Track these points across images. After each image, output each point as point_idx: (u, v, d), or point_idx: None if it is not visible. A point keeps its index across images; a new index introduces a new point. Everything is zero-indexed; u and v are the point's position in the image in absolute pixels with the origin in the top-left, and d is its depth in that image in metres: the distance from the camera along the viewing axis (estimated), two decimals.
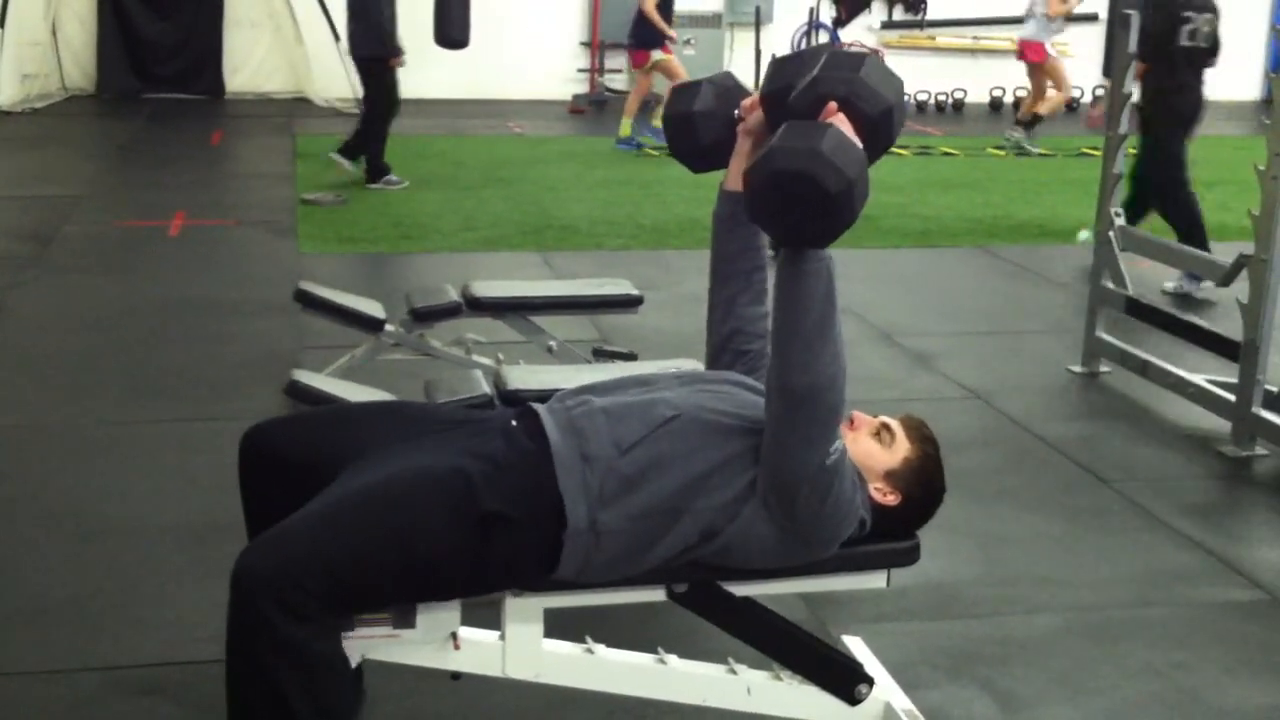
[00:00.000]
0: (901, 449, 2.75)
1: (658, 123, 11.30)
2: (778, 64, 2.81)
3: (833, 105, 2.47)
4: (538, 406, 2.71)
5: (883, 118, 2.49)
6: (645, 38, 11.61)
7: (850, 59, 2.53)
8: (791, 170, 2.32)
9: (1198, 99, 7.70)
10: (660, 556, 2.56)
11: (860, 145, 2.41)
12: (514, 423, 2.68)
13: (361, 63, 9.96)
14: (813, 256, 2.42)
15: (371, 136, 9.90)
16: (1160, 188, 7.67)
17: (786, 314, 2.45)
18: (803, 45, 15.45)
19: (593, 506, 2.52)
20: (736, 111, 2.88)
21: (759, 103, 2.80)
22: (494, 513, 2.48)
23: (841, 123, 2.44)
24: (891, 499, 2.72)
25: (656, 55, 11.63)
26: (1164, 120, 7.58)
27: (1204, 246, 7.04)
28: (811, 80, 2.52)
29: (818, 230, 2.38)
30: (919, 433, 2.80)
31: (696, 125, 2.91)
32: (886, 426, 2.78)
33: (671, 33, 11.83)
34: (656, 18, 11.45)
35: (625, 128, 11.83)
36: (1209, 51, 7.59)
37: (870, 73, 2.49)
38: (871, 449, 2.74)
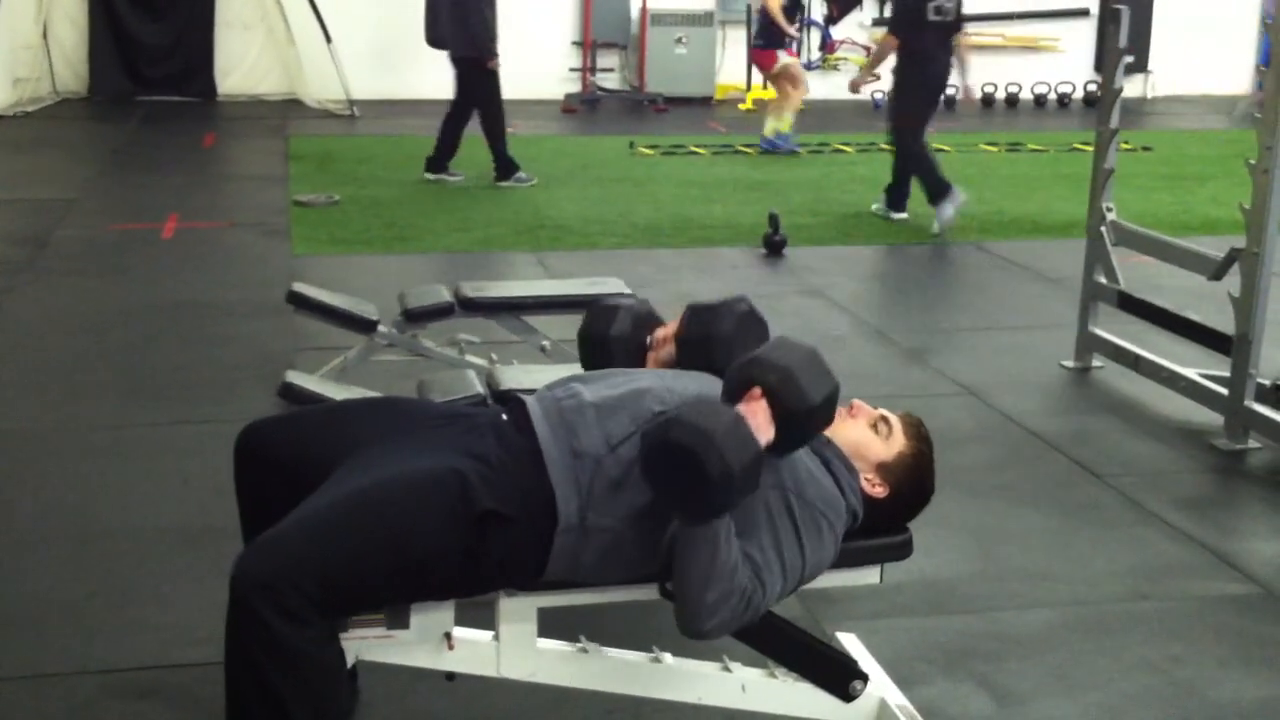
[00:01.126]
0: (897, 443, 2.79)
1: (780, 129, 11.71)
2: (696, 312, 2.93)
3: (757, 390, 2.53)
4: (526, 398, 2.72)
5: (803, 416, 2.54)
6: (773, 38, 11.68)
7: (789, 350, 2.59)
8: (680, 444, 2.38)
9: (944, 67, 9.08)
10: (650, 554, 2.57)
11: (768, 441, 2.48)
12: (504, 417, 2.69)
13: (459, 64, 9.88)
14: (697, 524, 2.45)
15: (496, 135, 10.01)
16: (900, 136, 9.14)
17: (678, 567, 2.49)
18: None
19: (583, 503, 2.53)
20: (649, 339, 3.01)
21: (672, 340, 2.95)
22: (490, 512, 2.49)
23: (760, 408, 2.50)
24: (880, 491, 2.75)
25: (784, 58, 11.72)
26: (913, 85, 9.07)
27: (941, 189, 8.59)
28: (748, 360, 2.59)
29: (693, 504, 2.44)
30: (916, 430, 2.83)
31: (611, 350, 3.01)
32: (885, 419, 2.81)
33: (793, 32, 12.12)
34: (781, 18, 11.53)
35: (772, 127, 11.86)
36: (955, 25, 8.97)
37: (804, 370, 2.55)
38: (868, 438, 2.78)
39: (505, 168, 10.02)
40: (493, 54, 9.73)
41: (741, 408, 2.51)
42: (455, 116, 10.01)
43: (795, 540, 2.57)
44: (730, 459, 2.37)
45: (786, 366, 2.53)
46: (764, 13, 11.63)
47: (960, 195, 8.61)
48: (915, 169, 8.96)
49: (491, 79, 9.85)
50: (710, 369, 2.79)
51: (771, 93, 12.33)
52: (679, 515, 2.48)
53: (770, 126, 11.77)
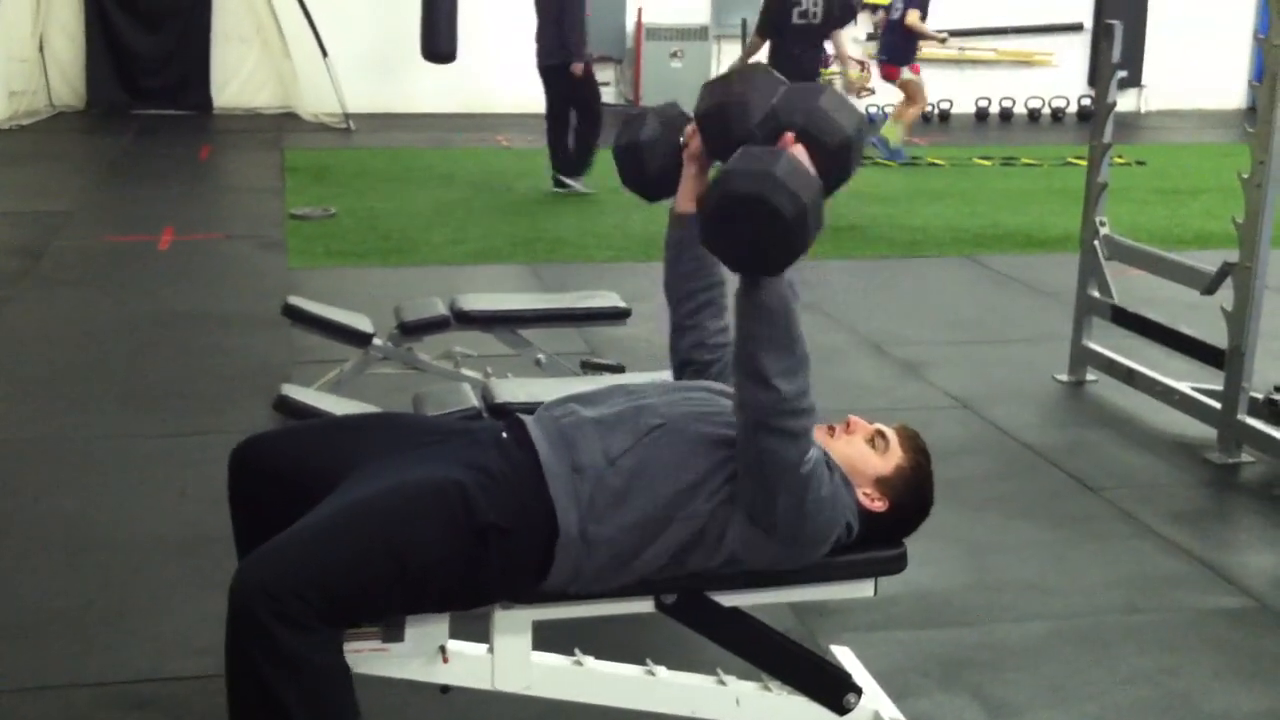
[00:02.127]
0: (894, 457, 2.78)
1: (891, 141, 12.09)
2: (708, 86, 2.85)
3: (790, 135, 2.48)
4: (525, 417, 2.72)
5: (840, 149, 2.50)
6: (897, 54, 12.04)
7: (808, 90, 2.55)
8: (745, 193, 2.32)
9: (811, 66, 9.65)
10: (650, 564, 2.58)
11: (815, 174, 2.42)
12: (504, 434, 2.69)
13: (548, 73, 10.18)
14: (768, 284, 2.42)
15: (587, 136, 10.20)
16: None
17: (746, 339, 2.45)
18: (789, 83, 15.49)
19: (584, 516, 2.53)
20: (681, 138, 2.93)
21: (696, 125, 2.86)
22: (490, 524, 2.49)
23: (799, 152, 2.45)
24: (879, 505, 2.74)
25: (906, 74, 12.05)
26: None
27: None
28: (771, 110, 2.53)
29: (771, 256, 2.37)
30: (913, 443, 2.82)
31: (643, 155, 2.96)
32: (881, 434, 2.80)
33: (938, 35, 12.46)
34: (923, 27, 11.94)
35: (896, 132, 12.26)
36: (821, 26, 9.55)
37: (829, 103, 2.50)
38: (865, 454, 2.77)
39: (580, 165, 10.25)
40: (582, 57, 10.07)
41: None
42: (554, 126, 10.27)
43: (825, 466, 2.57)
44: (800, 192, 2.30)
45: (810, 106, 2.48)
46: (889, 29, 11.94)
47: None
48: None
49: (589, 82, 10.20)
50: (731, 138, 2.67)
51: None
52: (752, 273, 2.40)
53: (893, 130, 12.23)
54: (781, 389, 2.43)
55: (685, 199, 2.94)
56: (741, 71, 2.87)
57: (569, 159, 10.32)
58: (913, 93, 12.07)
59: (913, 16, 11.80)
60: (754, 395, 2.46)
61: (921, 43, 12.27)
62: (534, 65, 10.40)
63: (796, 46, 9.59)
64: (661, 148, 2.95)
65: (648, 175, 2.99)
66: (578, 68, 10.03)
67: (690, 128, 2.91)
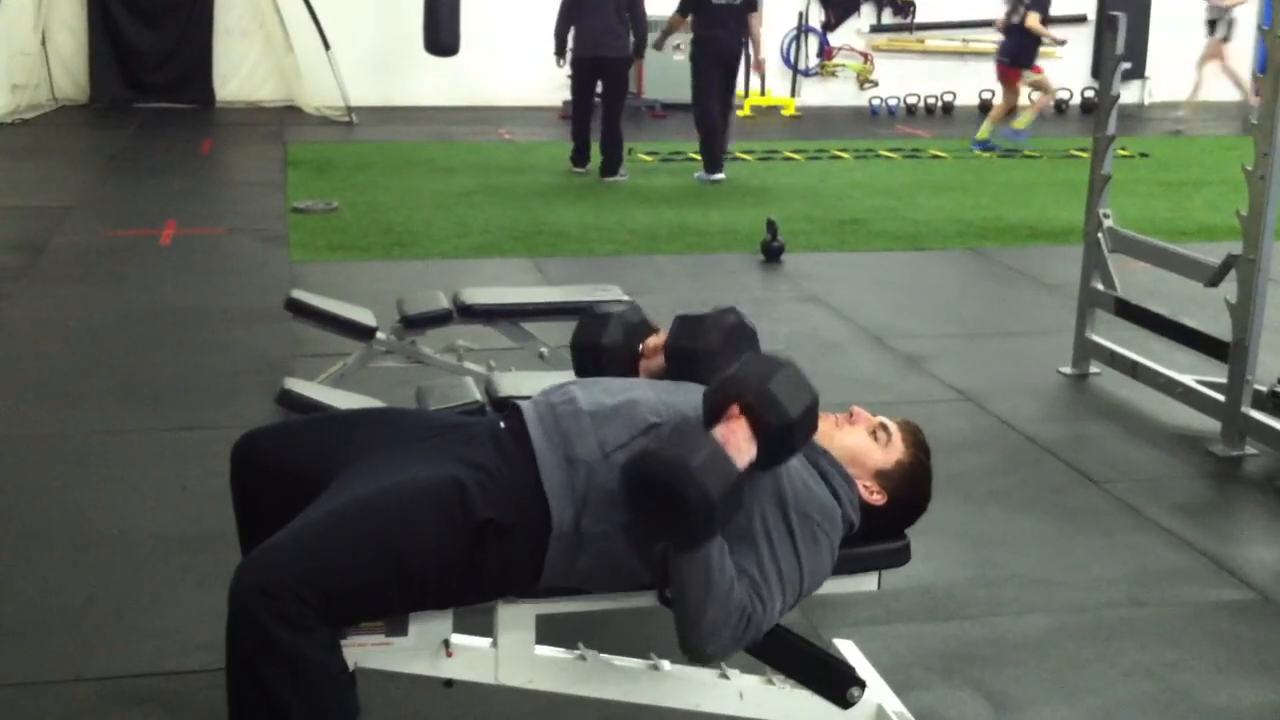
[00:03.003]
0: (896, 451, 2.79)
1: (1018, 124, 12.56)
2: (684, 323, 2.93)
3: (735, 409, 2.52)
4: (523, 404, 2.72)
5: (783, 430, 2.52)
6: (1019, 56, 12.35)
7: (765, 366, 2.57)
8: (657, 477, 2.39)
9: (732, 45, 10.59)
10: (646, 562, 2.57)
11: (751, 459, 2.48)
12: (502, 425, 2.69)
13: (615, 64, 10.58)
14: (683, 551, 2.46)
15: (619, 129, 10.70)
16: (694, 104, 10.65)
17: (674, 593, 2.51)
18: (792, 50, 15.46)
19: (577, 510, 2.53)
20: (640, 347, 3.01)
21: (662, 350, 2.94)
22: (488, 520, 2.49)
23: (739, 426, 2.49)
24: (878, 498, 2.75)
25: (1029, 76, 12.53)
26: (701, 59, 10.50)
27: (714, 153, 10.59)
28: (723, 379, 2.57)
29: (677, 533, 2.44)
30: (914, 438, 2.83)
31: (602, 358, 3.01)
32: (884, 426, 2.81)
33: (1058, 38, 13.02)
34: (1044, 30, 12.32)
35: (984, 131, 12.54)
36: (741, 9, 10.37)
37: (780, 384, 2.53)
38: (867, 445, 2.78)
39: (616, 162, 10.71)
40: (643, 53, 10.86)
41: (720, 428, 2.50)
42: (611, 116, 10.62)
43: (793, 554, 2.56)
44: (709, 487, 2.37)
45: (762, 383, 2.52)
46: (1010, 32, 12.10)
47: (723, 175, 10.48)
48: (702, 134, 10.60)
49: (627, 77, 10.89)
50: (697, 381, 2.78)
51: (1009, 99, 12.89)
52: (667, 544, 2.48)
53: (1022, 120, 12.67)
54: (705, 651, 2.50)
55: None
56: (714, 318, 2.93)
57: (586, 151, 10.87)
58: (1044, 85, 12.65)
59: (1033, 19, 12.00)
60: (685, 643, 2.52)
61: (915, 35, 12.45)
62: (536, 59, 10.53)
63: (718, 28, 10.30)
64: (619, 355, 3.02)
65: (603, 376, 3.03)
66: (640, 61, 10.88)
67: (653, 341, 3.00)
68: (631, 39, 10.61)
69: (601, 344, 3.01)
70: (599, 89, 10.71)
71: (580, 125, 10.86)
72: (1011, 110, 12.62)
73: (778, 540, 2.56)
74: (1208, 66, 14.66)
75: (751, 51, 11.55)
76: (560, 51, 10.77)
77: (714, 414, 2.55)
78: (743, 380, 2.54)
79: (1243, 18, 15.96)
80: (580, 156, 10.94)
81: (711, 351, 2.85)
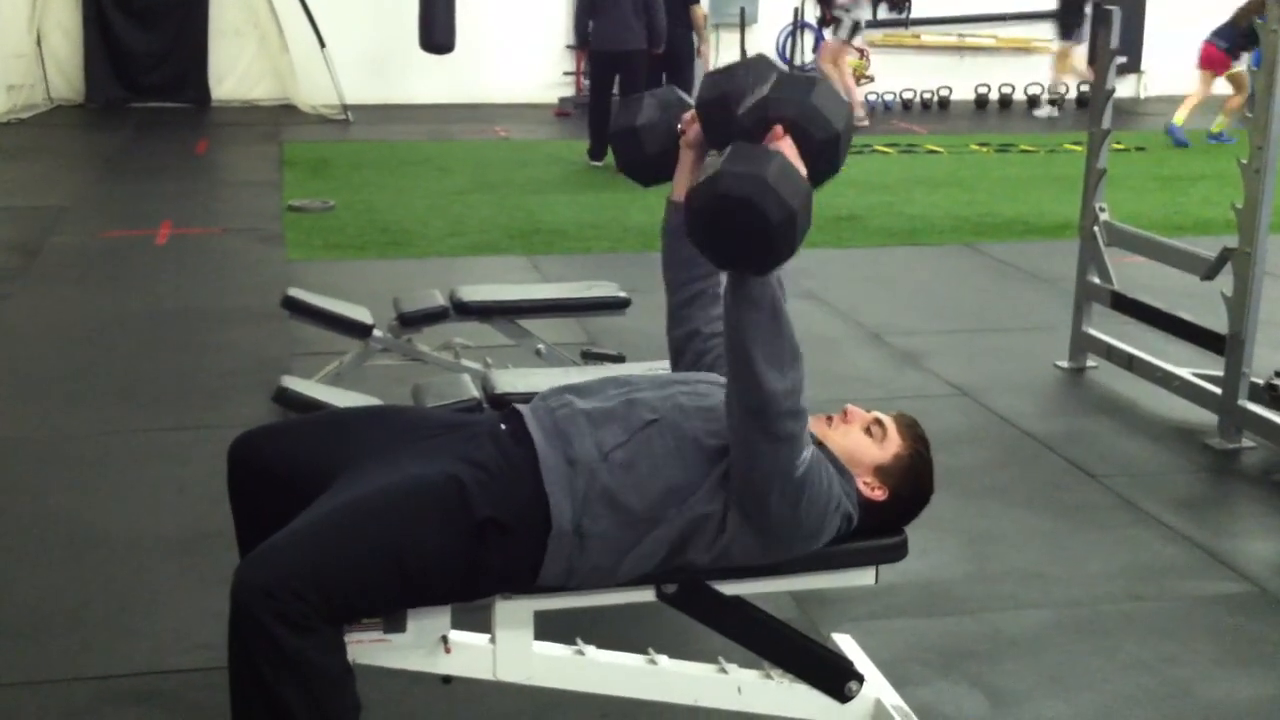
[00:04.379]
0: (893, 445, 2.77)
1: (1216, 128, 12.83)
2: (711, 75, 2.84)
3: (779, 128, 2.48)
4: (521, 408, 2.72)
5: (829, 144, 2.48)
6: (1237, 44, 12.54)
7: (801, 82, 2.53)
8: (734, 196, 2.30)
9: (678, 37, 11.01)
10: (643, 562, 2.58)
11: (805, 172, 2.41)
12: (502, 426, 2.69)
13: (632, 56, 10.71)
14: (756, 282, 2.40)
15: None
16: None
17: (734, 337, 2.43)
18: (787, 46, 15.48)
19: (577, 510, 2.53)
20: (679, 125, 2.93)
21: (695, 114, 2.86)
22: (488, 519, 2.49)
23: (788, 146, 2.44)
24: (879, 494, 2.74)
25: (1238, 67, 12.64)
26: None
27: (598, 148, 10.82)
28: (761, 100, 2.50)
29: (756, 258, 2.36)
30: (911, 431, 2.81)
31: (641, 139, 2.95)
32: (879, 422, 2.79)
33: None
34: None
35: (1219, 124, 12.84)
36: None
37: (821, 97, 2.49)
38: (863, 443, 2.76)
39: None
40: (662, 44, 10.94)
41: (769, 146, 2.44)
42: (606, 109, 10.78)
43: (821, 464, 2.55)
44: (788, 196, 2.30)
45: (801, 98, 2.46)
46: (1235, 23, 12.33)
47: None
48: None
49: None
50: (731, 124, 2.66)
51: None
52: (739, 272, 2.39)
53: (1218, 123, 12.87)
54: (771, 385, 2.41)
55: (682, 186, 2.93)
56: (744, 61, 2.85)
57: (603, 138, 10.93)
58: (1241, 83, 12.63)
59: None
60: (744, 392, 2.44)
61: (911, 31, 12.47)
62: (531, 56, 10.58)
63: (616, 17, 10.50)
64: (659, 133, 2.94)
65: (644, 160, 2.98)
66: (658, 53, 10.87)
67: (689, 115, 2.91)
68: (647, 32, 10.77)
69: (637, 125, 2.95)
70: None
71: (598, 119, 10.98)
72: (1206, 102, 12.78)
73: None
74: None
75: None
76: (581, 44, 11.03)
77: (756, 137, 2.48)
78: (784, 99, 2.48)
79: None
80: (598, 150, 11.05)
81: (740, 91, 2.72)
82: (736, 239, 2.33)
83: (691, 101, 2.96)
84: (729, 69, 2.83)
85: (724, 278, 2.49)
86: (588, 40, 10.97)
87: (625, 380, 2.79)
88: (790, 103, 2.47)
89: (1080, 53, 14.05)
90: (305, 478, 2.62)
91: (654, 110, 2.95)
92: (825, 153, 2.48)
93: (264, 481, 2.69)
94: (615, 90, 10.90)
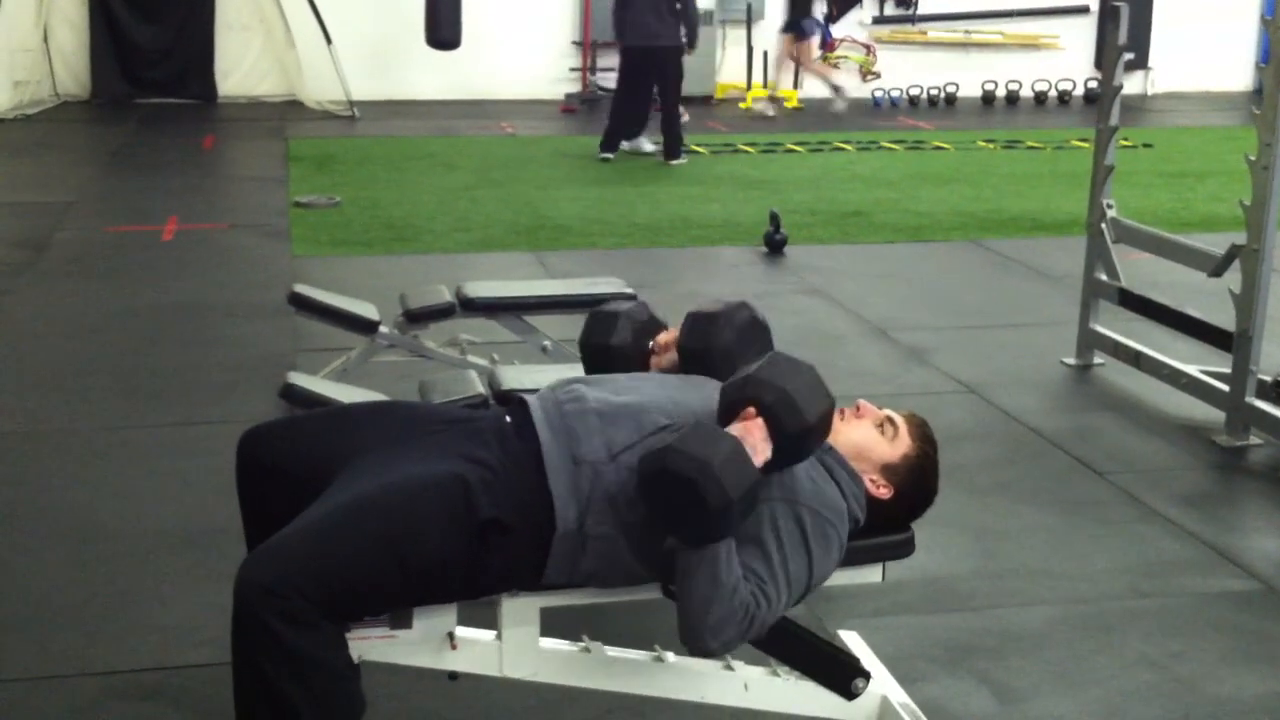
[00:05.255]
0: (903, 445, 2.78)
1: None
2: (697, 321, 2.93)
3: (751, 410, 2.53)
4: (528, 399, 2.72)
5: (798, 436, 2.53)
6: None
7: (787, 368, 2.58)
8: (679, 473, 2.38)
9: (670, 31, 10.83)
10: (646, 564, 2.57)
11: (766, 459, 2.49)
12: (507, 419, 2.69)
13: (665, 53, 10.85)
14: (694, 548, 2.46)
15: (676, 117, 11.06)
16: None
17: (680, 588, 2.50)
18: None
19: (582, 510, 2.53)
20: (650, 344, 3.02)
21: (674, 347, 2.95)
22: (491, 519, 2.49)
23: (756, 427, 2.50)
24: (884, 492, 2.75)
25: None
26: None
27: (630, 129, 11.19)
28: (744, 378, 2.57)
29: (692, 530, 2.44)
30: (921, 432, 2.83)
31: (612, 358, 3.02)
32: (891, 420, 2.81)
33: None
34: None
35: None
36: None
37: (800, 389, 2.54)
38: (874, 439, 2.77)
39: (677, 146, 11.03)
40: (696, 44, 11.30)
41: (737, 427, 2.51)
42: (669, 104, 10.99)
43: (803, 551, 2.57)
44: (729, 487, 2.37)
45: (783, 386, 2.53)
46: None
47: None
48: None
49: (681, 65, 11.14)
50: (711, 377, 2.79)
51: None
52: (678, 539, 2.48)
53: None
54: (695, 623, 2.48)
55: None
56: (728, 314, 2.92)
57: (618, 132, 11.18)
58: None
59: None
60: (687, 642, 2.52)
61: (918, 27, 12.39)
62: (538, 52, 10.58)
63: (649, 13, 10.61)
64: (631, 354, 3.02)
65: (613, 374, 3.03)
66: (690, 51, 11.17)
67: (664, 338, 3.01)
68: (683, 29, 10.89)
69: (611, 344, 3.02)
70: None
71: (620, 111, 11.14)
72: None
73: (787, 538, 2.55)
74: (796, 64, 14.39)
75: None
76: (620, 37, 11.08)
77: (731, 411, 2.56)
78: (764, 382, 2.54)
79: (1244, 7, 15.96)
80: (612, 143, 11.22)
81: (726, 349, 2.86)
82: (676, 511, 2.43)
83: (663, 322, 3.08)
84: (713, 317, 2.92)
85: None
86: (622, 35, 11.02)
87: (638, 377, 2.80)
88: (770, 388, 2.53)
89: (806, 47, 13.50)
90: (312, 473, 2.63)
91: (627, 332, 3.04)
92: (792, 442, 2.54)
93: (272, 475, 2.69)
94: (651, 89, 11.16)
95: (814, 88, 14.66)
